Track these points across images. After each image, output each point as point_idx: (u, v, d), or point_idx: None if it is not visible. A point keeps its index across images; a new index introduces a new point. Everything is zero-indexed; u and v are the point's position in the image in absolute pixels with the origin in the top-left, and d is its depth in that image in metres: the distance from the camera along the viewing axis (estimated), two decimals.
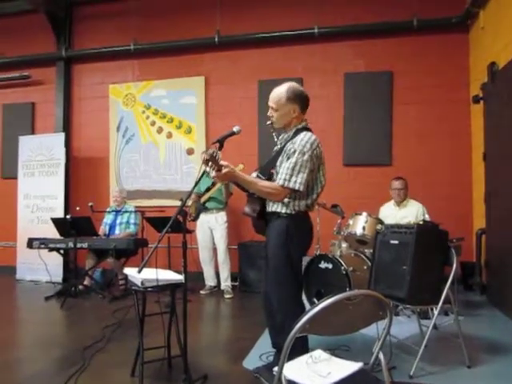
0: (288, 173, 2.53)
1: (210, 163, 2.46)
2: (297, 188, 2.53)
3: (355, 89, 5.91)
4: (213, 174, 2.50)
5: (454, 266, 2.96)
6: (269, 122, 2.76)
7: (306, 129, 2.70)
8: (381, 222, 4.08)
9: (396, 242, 3.03)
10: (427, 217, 4.36)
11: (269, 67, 6.16)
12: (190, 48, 6.44)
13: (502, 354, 3.21)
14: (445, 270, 3.02)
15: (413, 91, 5.77)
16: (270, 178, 2.65)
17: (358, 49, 5.98)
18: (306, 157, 2.54)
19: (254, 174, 2.74)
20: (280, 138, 2.78)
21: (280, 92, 2.67)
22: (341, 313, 1.51)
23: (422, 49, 5.75)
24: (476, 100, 5.01)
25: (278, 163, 2.64)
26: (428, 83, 5.72)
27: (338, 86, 6.01)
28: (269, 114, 2.72)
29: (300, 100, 2.69)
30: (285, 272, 2.61)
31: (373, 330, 2.42)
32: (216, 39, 6.21)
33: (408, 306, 2.93)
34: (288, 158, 2.56)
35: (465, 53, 5.65)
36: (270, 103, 2.69)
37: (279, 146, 2.75)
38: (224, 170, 2.47)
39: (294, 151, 2.54)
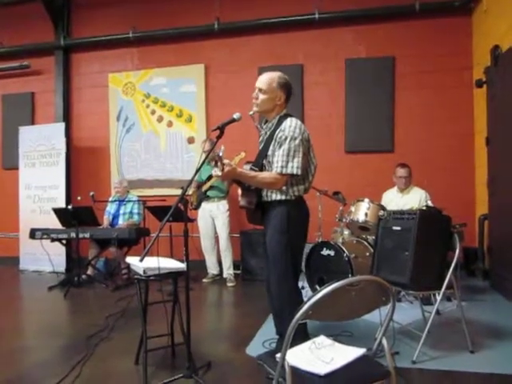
0: (283, 159, 2.55)
1: (218, 163, 2.46)
2: (295, 172, 2.56)
3: (357, 75, 5.85)
4: (217, 173, 2.48)
5: (457, 251, 2.94)
6: (251, 112, 2.75)
7: (289, 115, 2.71)
8: (383, 208, 4.05)
9: (398, 228, 3.02)
10: (430, 203, 4.33)
11: (269, 54, 6.10)
12: (190, 35, 6.38)
13: (504, 338, 3.21)
14: (447, 255, 3.02)
15: (415, 76, 5.71)
16: (261, 169, 2.68)
17: (359, 34, 5.90)
18: (297, 141, 2.57)
19: (248, 167, 2.74)
20: (264, 127, 2.79)
21: (273, 76, 2.69)
22: (344, 299, 1.50)
23: (425, 33, 5.67)
24: (479, 84, 4.95)
25: (269, 152, 2.65)
26: (430, 68, 5.65)
27: (339, 72, 5.95)
28: (254, 95, 2.70)
29: (288, 90, 2.73)
30: (285, 258, 2.61)
31: (375, 316, 2.42)
32: (216, 26, 6.14)
33: (411, 291, 2.92)
34: (280, 146, 2.58)
35: (468, 36, 5.58)
36: (259, 85, 2.68)
37: (264, 137, 2.77)
38: (226, 169, 2.48)
39: (286, 138, 2.57)
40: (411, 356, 2.78)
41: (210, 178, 5.26)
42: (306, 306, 1.45)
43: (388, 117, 5.77)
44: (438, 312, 3.41)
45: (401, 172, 4.58)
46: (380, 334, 1.70)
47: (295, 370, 1.58)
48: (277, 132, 2.63)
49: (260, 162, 2.71)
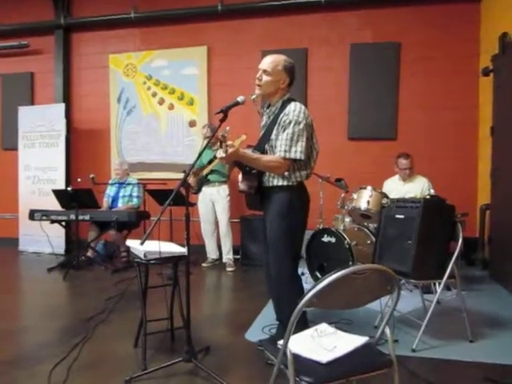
0: (287, 144, 2.53)
1: (222, 144, 2.41)
2: (298, 157, 2.53)
3: (361, 60, 5.76)
4: (221, 154, 2.43)
5: (460, 241, 2.93)
6: (254, 96, 2.70)
7: (293, 100, 2.67)
8: (386, 196, 4.03)
9: (402, 216, 3.00)
10: (432, 191, 4.30)
11: (273, 37, 6.00)
12: (193, 17, 6.26)
13: (503, 328, 3.22)
14: (449, 244, 3.00)
15: (420, 63, 5.62)
16: (263, 153, 2.65)
17: (365, 19, 5.79)
18: (301, 126, 2.54)
19: (249, 151, 2.70)
20: (267, 111, 2.75)
21: (279, 58, 2.65)
22: (349, 287, 1.48)
23: (432, 19, 5.56)
24: (485, 72, 4.87)
25: (273, 136, 2.62)
26: (436, 55, 5.56)
27: (343, 57, 5.85)
28: (258, 76, 2.65)
29: (292, 75, 2.69)
30: (284, 244, 2.60)
31: (374, 304, 2.40)
32: (219, 8, 6.02)
33: (412, 280, 2.90)
34: (284, 130, 2.55)
35: (475, 23, 5.46)
36: (264, 66, 2.63)
37: (267, 121, 2.73)
38: (229, 151, 2.43)
39: (290, 122, 2.54)
40: (411, 344, 2.79)
41: (210, 161, 5.21)
42: (310, 294, 1.43)
43: (392, 104, 5.70)
44: (437, 301, 3.39)
45: (404, 164, 4.51)
46: (383, 322, 1.68)
47: (297, 358, 1.56)
48: (281, 116, 2.59)
49: (262, 147, 2.68)
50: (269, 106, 2.76)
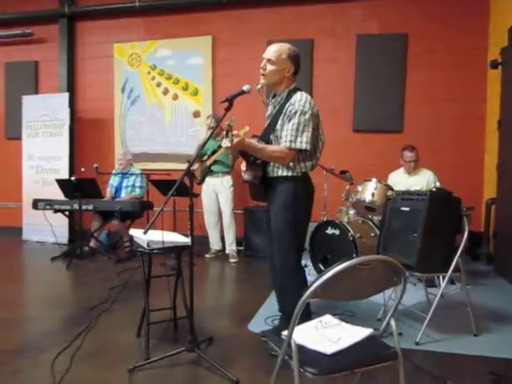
0: (293, 134, 2.50)
1: (228, 134, 2.38)
2: (304, 148, 2.51)
3: (368, 52, 5.69)
4: (226, 144, 2.40)
5: (466, 234, 2.90)
6: (258, 86, 2.67)
7: (299, 89, 2.64)
8: (391, 188, 4.00)
9: (407, 208, 2.97)
10: (438, 184, 4.27)
11: (278, 27, 5.93)
12: (198, 6, 6.20)
13: (508, 322, 3.20)
14: (455, 238, 2.98)
15: (428, 55, 5.55)
16: (268, 143, 2.62)
17: (370, 9, 5.71)
18: (307, 116, 2.51)
19: (254, 141, 2.68)
20: (273, 101, 2.72)
21: (283, 47, 2.61)
22: (354, 278, 1.46)
23: (440, 10, 5.48)
24: (494, 65, 4.81)
25: (278, 127, 2.60)
26: (444, 47, 5.48)
27: (349, 48, 5.79)
28: (262, 65, 2.62)
29: (297, 63, 2.65)
30: (289, 235, 2.59)
31: (377, 296, 2.38)
32: None
33: (417, 273, 2.88)
34: (289, 120, 2.52)
35: (484, 15, 5.38)
36: (268, 55, 2.60)
37: (273, 111, 2.70)
38: (235, 140, 2.40)
39: (295, 112, 2.51)
40: (414, 337, 2.77)
41: (214, 152, 5.19)
42: (316, 284, 1.41)
43: (398, 96, 5.64)
44: (441, 295, 3.38)
45: (409, 156, 4.46)
46: (389, 314, 1.66)
47: (301, 349, 1.55)
48: (286, 106, 2.56)
49: (267, 137, 2.66)
50: (274, 95, 2.73)
